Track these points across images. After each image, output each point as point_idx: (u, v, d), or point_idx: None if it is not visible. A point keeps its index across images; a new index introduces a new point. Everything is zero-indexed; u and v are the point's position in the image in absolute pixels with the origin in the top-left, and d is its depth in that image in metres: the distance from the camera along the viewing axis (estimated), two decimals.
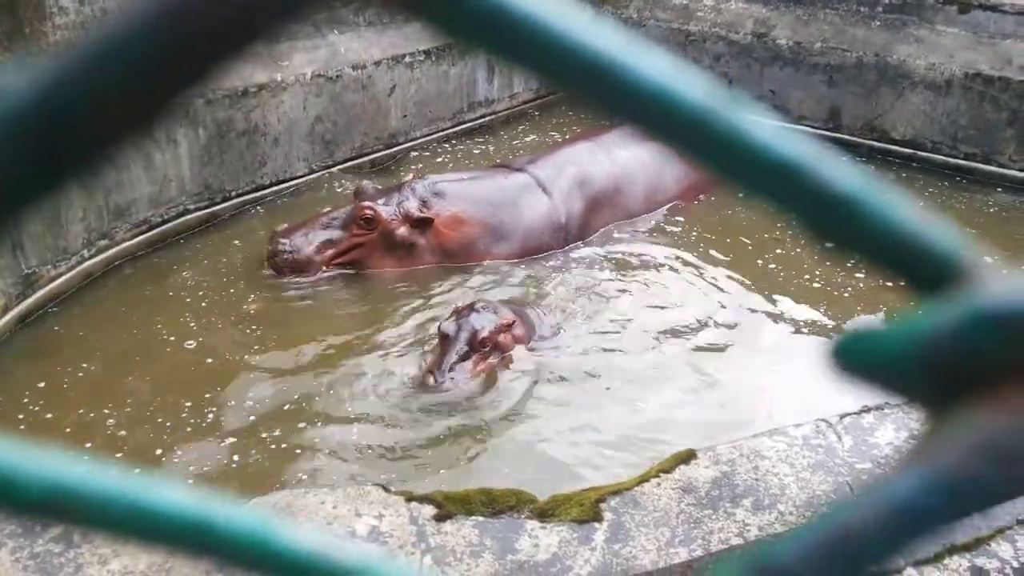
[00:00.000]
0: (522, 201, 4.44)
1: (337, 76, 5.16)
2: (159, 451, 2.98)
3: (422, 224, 4.16)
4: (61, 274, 3.88)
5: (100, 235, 4.10)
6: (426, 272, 4.21)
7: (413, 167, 5.45)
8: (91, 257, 4.05)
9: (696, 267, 4.33)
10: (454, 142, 5.99)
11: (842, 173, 0.27)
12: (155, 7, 0.21)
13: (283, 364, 3.49)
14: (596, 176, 4.73)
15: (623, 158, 4.85)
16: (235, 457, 2.97)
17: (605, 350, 3.63)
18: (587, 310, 3.89)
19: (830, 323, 3.91)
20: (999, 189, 5.39)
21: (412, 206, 4.17)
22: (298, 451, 3.01)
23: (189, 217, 4.57)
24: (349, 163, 5.40)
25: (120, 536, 0.27)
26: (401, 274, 4.18)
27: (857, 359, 0.29)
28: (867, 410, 2.34)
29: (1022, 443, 0.27)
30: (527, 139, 6.19)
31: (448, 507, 1.95)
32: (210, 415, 3.17)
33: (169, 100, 0.22)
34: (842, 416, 2.31)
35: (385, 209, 4.12)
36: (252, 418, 3.16)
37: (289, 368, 3.46)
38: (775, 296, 4.10)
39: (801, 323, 3.92)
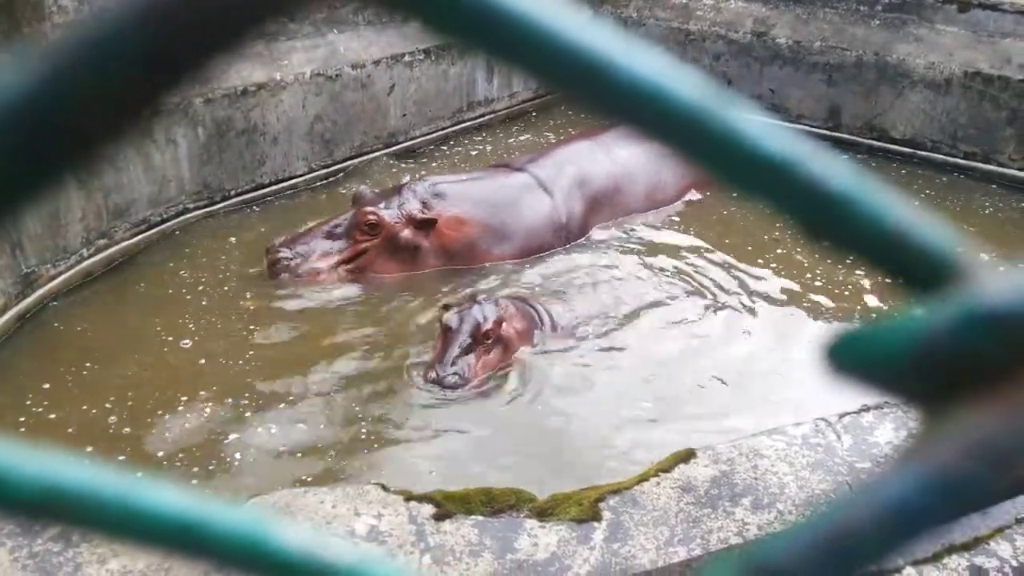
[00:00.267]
0: (523, 201, 4.44)
1: (336, 75, 5.15)
2: (158, 451, 2.98)
3: (425, 225, 4.15)
4: (60, 273, 3.88)
5: (99, 234, 4.10)
6: (428, 273, 4.21)
7: (410, 168, 5.45)
8: (90, 256, 4.05)
9: (696, 266, 4.33)
10: (452, 143, 5.99)
11: (836, 171, 0.27)
12: (143, 3, 0.21)
13: (282, 363, 3.49)
14: (596, 175, 4.72)
15: (622, 157, 4.85)
16: (236, 453, 2.97)
17: (605, 348, 3.63)
18: (588, 309, 3.88)
19: (831, 322, 3.91)
20: (996, 188, 5.39)
21: (414, 208, 4.16)
22: (297, 450, 3.01)
23: (188, 216, 4.57)
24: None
25: (114, 537, 0.27)
26: (401, 275, 4.17)
27: (852, 358, 0.29)
28: (866, 409, 2.34)
29: (1018, 442, 0.27)
30: (522, 138, 6.20)
31: (447, 506, 1.95)
32: (208, 412, 3.17)
33: (158, 97, 0.22)
34: (841, 415, 2.31)
35: (388, 213, 4.10)
36: (250, 417, 3.16)
37: (288, 367, 3.46)
38: (776, 294, 4.10)
39: (802, 322, 3.92)
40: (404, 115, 5.69)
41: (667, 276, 4.23)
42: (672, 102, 0.26)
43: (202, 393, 3.27)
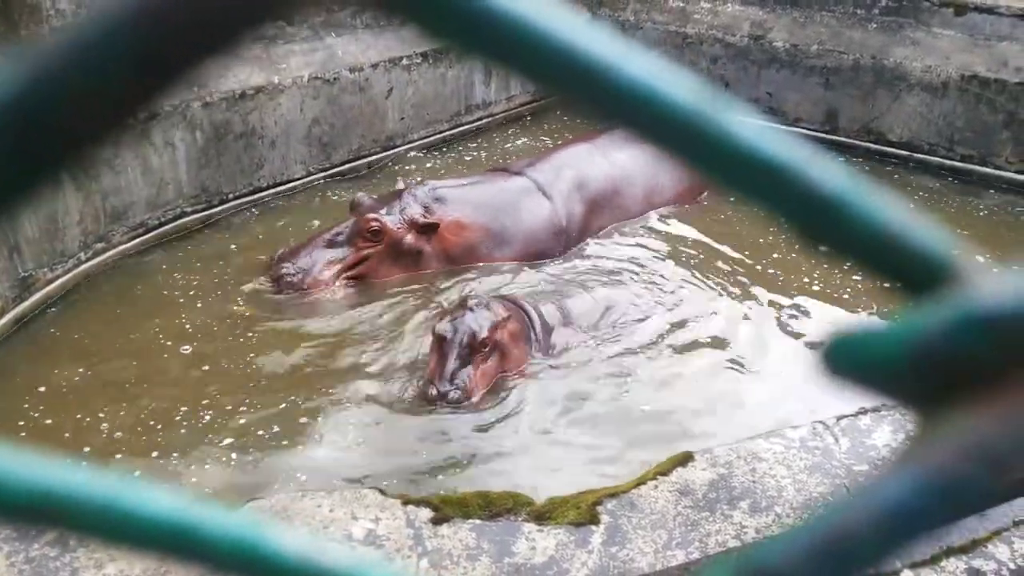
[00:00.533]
0: (522, 205, 4.44)
1: (334, 79, 5.16)
2: (156, 455, 2.97)
3: (428, 229, 4.15)
4: (58, 277, 3.88)
5: (97, 238, 4.10)
6: (427, 275, 4.20)
7: (403, 170, 5.45)
8: (88, 260, 4.05)
9: (693, 269, 4.34)
10: (444, 149, 5.99)
11: (831, 174, 0.27)
12: (135, 4, 0.21)
13: (280, 367, 3.48)
14: (594, 178, 4.73)
15: (620, 160, 4.85)
16: (233, 457, 2.97)
17: (602, 351, 3.63)
18: (585, 311, 3.88)
19: (828, 325, 3.91)
20: (991, 191, 5.40)
21: (416, 212, 4.16)
22: (294, 454, 3.00)
23: (186, 220, 4.56)
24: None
25: (109, 542, 0.27)
26: (402, 278, 4.17)
27: (848, 361, 0.29)
28: (864, 412, 2.34)
29: (1015, 445, 0.27)
30: (518, 143, 6.20)
31: (445, 510, 1.95)
32: (206, 418, 3.16)
33: (150, 98, 0.22)
34: (839, 418, 2.31)
35: (390, 219, 4.10)
36: (249, 421, 3.15)
37: (286, 371, 3.46)
38: (773, 297, 4.10)
39: (798, 325, 3.92)
40: (402, 118, 5.69)
41: (665, 280, 4.23)
42: (669, 105, 0.26)
43: (200, 399, 3.26)
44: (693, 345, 3.72)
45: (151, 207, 4.36)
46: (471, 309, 3.32)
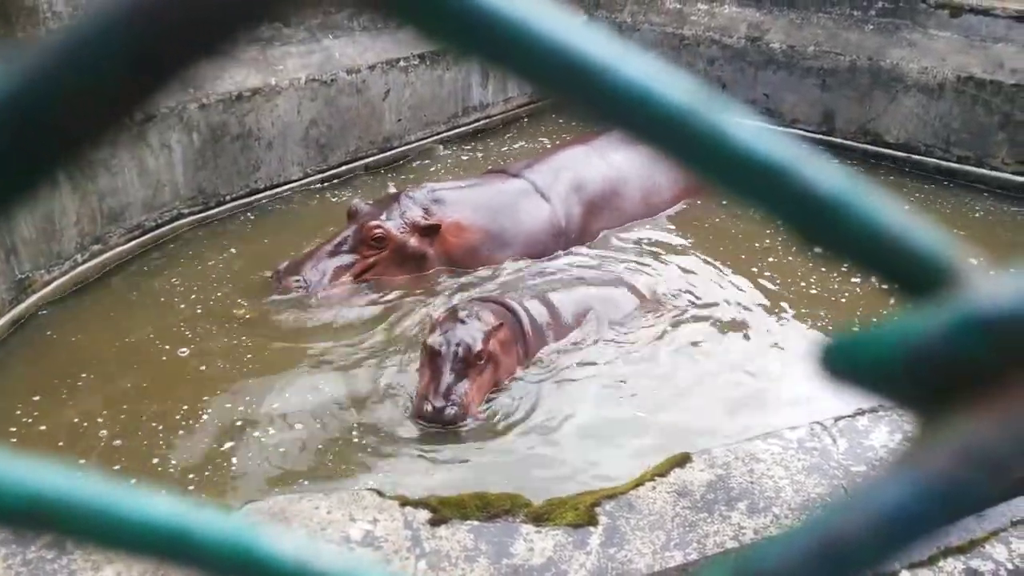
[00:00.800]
0: (521, 206, 4.45)
1: (332, 80, 5.15)
2: (154, 458, 2.97)
3: (430, 231, 4.15)
4: (54, 279, 3.87)
5: (94, 240, 4.09)
6: (427, 276, 4.20)
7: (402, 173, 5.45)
8: (85, 262, 4.04)
9: (690, 270, 4.34)
10: (442, 149, 5.99)
11: (827, 175, 0.26)
12: (130, 3, 0.21)
13: (277, 369, 3.47)
14: (592, 180, 4.73)
15: (618, 161, 4.86)
16: (232, 460, 2.96)
17: (598, 352, 3.63)
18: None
19: (826, 327, 3.92)
20: (988, 192, 5.41)
21: (416, 215, 4.16)
22: (292, 456, 3.00)
23: (183, 222, 4.56)
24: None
25: (104, 546, 0.27)
26: (404, 281, 4.17)
27: (847, 363, 0.29)
28: (862, 413, 2.34)
29: (1013, 447, 0.27)
30: (516, 145, 6.20)
31: (443, 511, 1.94)
32: (204, 421, 3.15)
33: (145, 98, 0.22)
34: (837, 419, 2.31)
35: (392, 224, 4.10)
36: (245, 424, 3.15)
37: (283, 373, 3.45)
38: (770, 299, 4.11)
39: (796, 326, 3.92)
40: (399, 120, 5.69)
41: (661, 280, 4.23)
42: (665, 107, 0.25)
43: (198, 402, 3.26)
44: (692, 346, 3.72)
45: (148, 209, 4.36)
46: (462, 321, 3.18)
